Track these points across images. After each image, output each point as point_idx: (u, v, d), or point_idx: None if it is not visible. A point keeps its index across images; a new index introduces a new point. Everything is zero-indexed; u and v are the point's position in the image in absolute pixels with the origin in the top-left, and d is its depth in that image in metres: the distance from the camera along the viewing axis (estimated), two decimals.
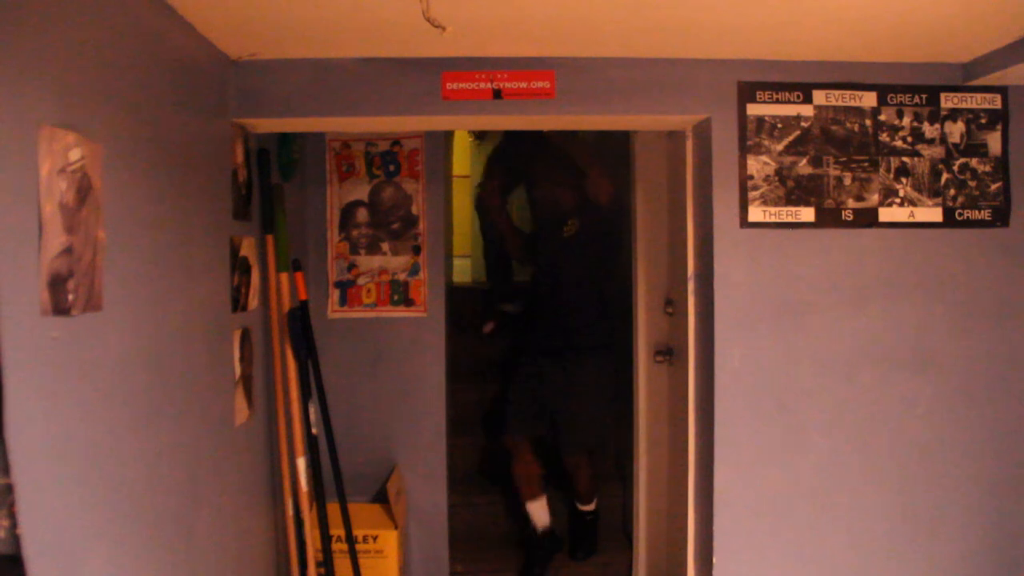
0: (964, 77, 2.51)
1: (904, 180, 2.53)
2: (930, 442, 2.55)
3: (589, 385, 3.71)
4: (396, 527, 3.17)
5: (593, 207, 3.70)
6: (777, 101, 2.50)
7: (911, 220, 2.53)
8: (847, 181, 2.51)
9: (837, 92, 2.51)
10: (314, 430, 2.83)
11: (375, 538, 3.15)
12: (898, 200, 2.52)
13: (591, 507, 3.87)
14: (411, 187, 3.52)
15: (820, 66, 2.50)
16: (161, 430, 1.84)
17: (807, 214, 2.51)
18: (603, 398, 3.77)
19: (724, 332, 2.50)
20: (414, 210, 3.52)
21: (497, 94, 2.45)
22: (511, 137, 4.36)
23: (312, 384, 2.89)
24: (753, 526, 2.53)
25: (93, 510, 1.52)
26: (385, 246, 3.51)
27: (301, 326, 2.80)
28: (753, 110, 2.49)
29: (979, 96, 2.53)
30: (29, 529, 1.24)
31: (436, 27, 1.96)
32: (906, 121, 2.53)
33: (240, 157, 2.48)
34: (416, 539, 3.51)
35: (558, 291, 3.78)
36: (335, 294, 3.51)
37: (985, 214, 2.54)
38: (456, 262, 5.47)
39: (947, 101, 2.54)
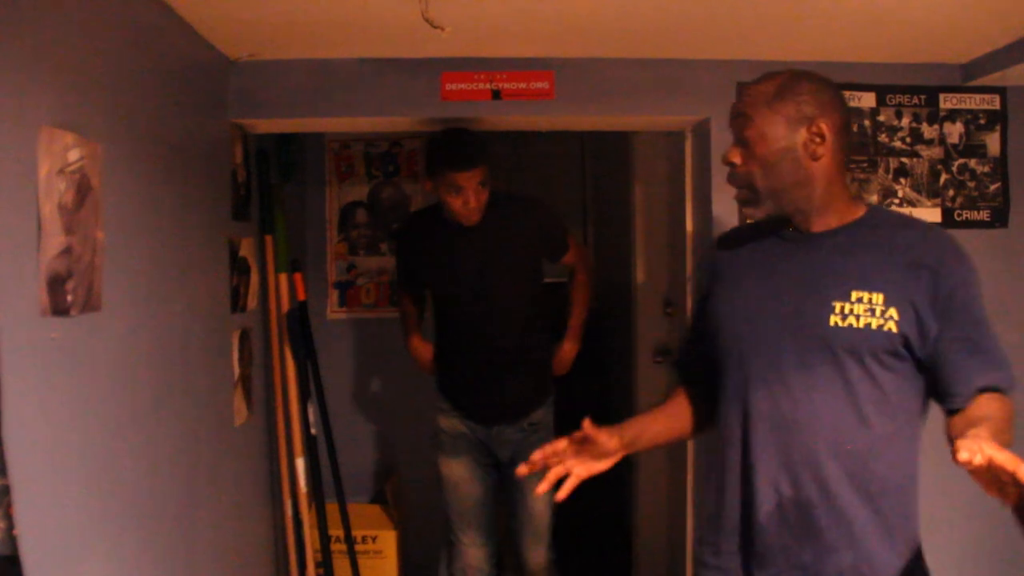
0: (963, 78, 2.51)
1: (903, 181, 2.53)
2: (929, 442, 2.54)
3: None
4: (395, 527, 3.17)
5: None
6: None
7: None
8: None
9: None
10: (313, 430, 2.83)
11: (374, 538, 3.15)
12: (897, 201, 2.52)
13: None
14: (410, 188, 3.52)
15: (819, 66, 2.47)
16: (160, 430, 1.84)
17: None
18: None
19: None
20: (413, 210, 3.51)
21: (496, 94, 2.45)
22: None
23: (311, 384, 2.89)
24: None
25: (91, 510, 1.52)
26: (384, 246, 3.51)
27: (300, 327, 2.80)
28: None
29: (978, 97, 2.53)
30: (27, 529, 1.24)
31: (435, 27, 1.96)
32: (905, 122, 2.53)
33: (239, 157, 2.48)
34: (416, 539, 3.51)
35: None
36: (334, 295, 3.51)
37: (984, 215, 2.54)
38: None
39: (946, 102, 2.53)
